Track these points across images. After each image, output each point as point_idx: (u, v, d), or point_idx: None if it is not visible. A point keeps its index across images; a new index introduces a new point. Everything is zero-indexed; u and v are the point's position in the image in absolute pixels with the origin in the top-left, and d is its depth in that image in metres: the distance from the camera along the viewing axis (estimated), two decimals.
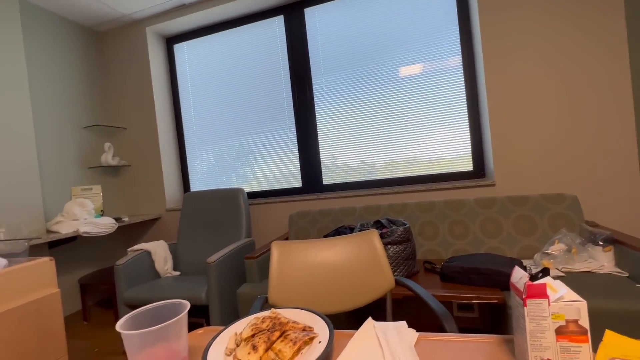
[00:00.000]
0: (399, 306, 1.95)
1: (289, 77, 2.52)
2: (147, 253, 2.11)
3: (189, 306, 0.54)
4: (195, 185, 2.91)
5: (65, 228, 2.07)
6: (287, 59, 2.51)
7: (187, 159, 2.93)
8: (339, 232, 1.74)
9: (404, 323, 0.60)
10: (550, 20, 1.86)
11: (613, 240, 1.47)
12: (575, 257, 1.49)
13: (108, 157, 2.67)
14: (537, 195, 1.78)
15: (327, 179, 2.46)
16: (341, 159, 2.41)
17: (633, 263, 1.34)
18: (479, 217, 1.83)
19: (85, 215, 2.19)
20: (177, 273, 2.17)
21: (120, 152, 2.87)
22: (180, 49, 2.90)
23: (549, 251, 1.56)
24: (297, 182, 2.54)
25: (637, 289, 1.24)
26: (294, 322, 0.59)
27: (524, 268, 1.39)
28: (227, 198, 2.29)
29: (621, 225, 1.84)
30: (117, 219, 2.36)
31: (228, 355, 0.54)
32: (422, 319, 1.91)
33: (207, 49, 2.78)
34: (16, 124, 2.05)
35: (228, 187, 2.69)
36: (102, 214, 2.52)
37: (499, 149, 1.98)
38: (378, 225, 1.71)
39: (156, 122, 2.75)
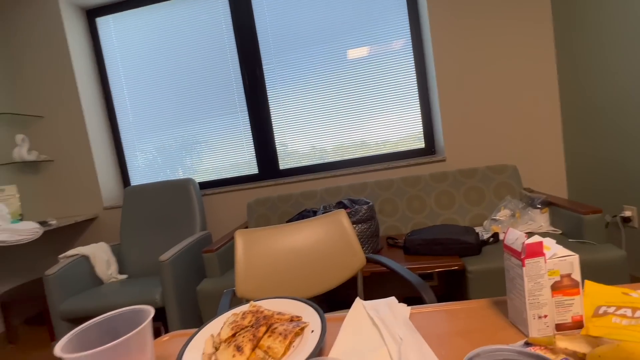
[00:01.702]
0: (366, 285, 1.99)
1: (237, 59, 2.34)
2: (85, 258, 1.85)
3: (153, 312, 0.45)
4: (136, 179, 2.61)
5: None
6: (233, 39, 2.32)
7: (125, 151, 2.60)
8: (302, 216, 1.69)
9: (393, 299, 0.58)
10: (489, 10, 1.97)
11: (548, 203, 1.64)
12: (519, 220, 1.65)
13: (22, 152, 2.25)
14: (483, 167, 1.91)
15: (283, 164, 2.37)
16: (296, 143, 2.34)
17: (565, 221, 1.52)
18: (433, 192, 1.91)
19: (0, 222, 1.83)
20: (124, 276, 1.94)
21: (39, 145, 2.43)
22: (105, 23, 2.51)
23: (497, 217, 1.70)
24: (253, 169, 2.41)
25: (570, 243, 1.40)
26: (279, 313, 0.53)
27: (477, 235, 1.50)
28: (175, 190, 2.09)
29: (552, 189, 2.07)
30: (41, 223, 2.02)
31: None
32: (391, 294, 1.98)
33: (139, 25, 2.44)
34: None
35: (180, 177, 2.46)
36: (21, 218, 2.13)
37: (448, 127, 2.08)
38: (340, 206, 1.69)
39: (82, 109, 2.38)
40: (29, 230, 1.88)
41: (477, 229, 1.77)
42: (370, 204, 1.61)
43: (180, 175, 2.52)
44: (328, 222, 1.13)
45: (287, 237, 1.11)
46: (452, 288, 1.76)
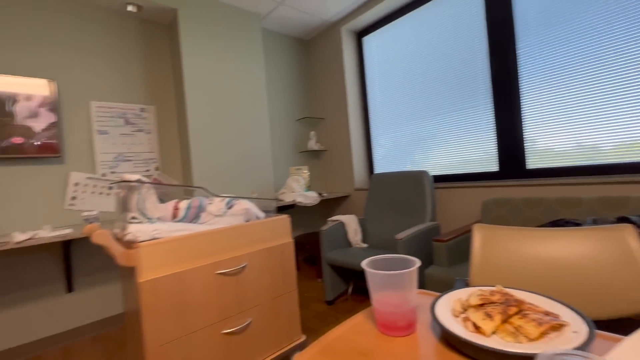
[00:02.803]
0: None
1: (485, 48, 2.21)
2: (342, 224, 2.45)
3: (419, 262, 0.59)
4: (379, 168, 3.11)
5: (287, 197, 2.72)
6: (483, 28, 2.21)
7: (372, 143, 3.16)
8: (556, 224, 1.41)
9: None
10: None
11: None
12: None
13: (312, 143, 3.27)
14: None
15: (531, 163, 2.03)
16: (552, 139, 1.92)
17: None
18: None
19: (299, 189, 2.79)
20: (365, 245, 2.42)
21: (321, 139, 3.44)
22: (368, 40, 3.12)
23: None
24: (491, 166, 2.24)
25: None
26: (531, 303, 0.53)
27: None
28: (411, 180, 2.32)
29: None
30: (319, 194, 2.87)
31: (456, 316, 0.55)
32: None
33: (392, 35, 2.85)
34: (258, 119, 2.83)
35: (412, 169, 2.72)
36: (309, 188, 3.13)
37: None
38: (624, 222, 1.26)
39: (347, 112, 3.11)
40: (313, 197, 2.73)
41: None
42: None
43: (418, 165, 2.74)
44: (604, 236, 0.91)
45: (536, 241, 1.00)
46: None
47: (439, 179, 2.56)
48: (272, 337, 1.47)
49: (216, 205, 1.43)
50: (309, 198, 2.70)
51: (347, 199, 3.20)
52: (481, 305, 0.55)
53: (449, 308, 0.58)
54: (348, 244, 2.46)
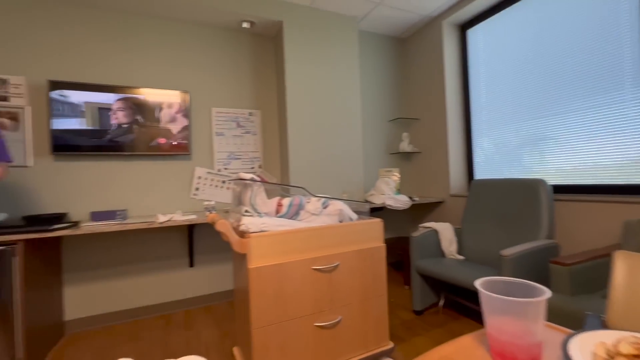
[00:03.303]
0: None
1: (639, 32, 1.77)
2: (434, 232, 2.31)
3: (549, 293, 0.52)
4: (480, 173, 2.81)
5: (376, 200, 2.70)
6: (636, 3, 1.77)
7: (473, 146, 2.87)
8: None
9: None
10: None
11: None
12: None
13: (404, 145, 3.16)
14: None
15: None
16: None
17: None
18: None
19: (388, 192, 2.74)
20: (461, 257, 2.23)
21: (414, 140, 3.30)
22: (473, 32, 2.84)
23: None
24: (638, 177, 1.79)
25: None
26: None
27: None
28: (523, 190, 2.03)
29: None
30: (410, 198, 2.77)
31: None
32: None
33: (503, 25, 2.52)
34: (351, 120, 2.88)
35: (524, 177, 2.38)
36: (399, 192, 3.05)
37: None
38: None
39: (445, 111, 2.90)
40: (403, 201, 2.64)
41: None
42: None
43: (531, 171, 2.39)
44: None
45: None
46: None
47: (559, 189, 2.17)
48: (360, 338, 1.49)
49: (313, 204, 1.52)
50: (399, 202, 2.62)
51: (441, 206, 2.99)
52: (637, 357, 0.45)
53: (589, 351, 0.49)
54: (441, 253, 2.30)
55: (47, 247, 2.00)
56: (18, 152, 2.13)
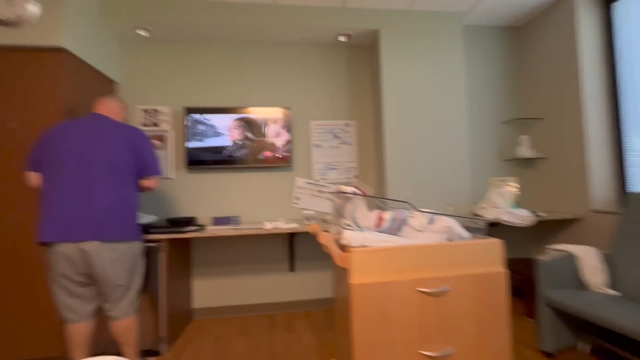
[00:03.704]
0: None
1: None
2: (571, 257, 1.87)
3: None
4: (637, 183, 2.16)
5: (488, 214, 2.36)
6: None
7: (625, 148, 2.24)
8: None
9: None
10: None
11: None
12: None
13: (523, 150, 2.69)
14: None
15: None
16: None
17: None
18: None
19: (503, 205, 2.37)
20: (615, 292, 1.73)
21: (537, 144, 2.79)
22: (622, 5, 2.24)
23: None
24: None
25: None
26: None
27: None
28: None
29: None
30: (533, 213, 2.32)
31: None
32: None
33: None
34: (455, 125, 2.60)
35: None
36: (517, 205, 2.60)
37: None
38: None
39: (581, 108, 2.35)
40: (525, 217, 2.24)
41: None
42: None
43: None
44: None
45: None
46: None
47: None
48: None
49: (418, 219, 1.41)
50: (519, 217, 2.23)
51: (577, 224, 2.42)
52: None
53: None
54: (580, 284, 1.85)
55: (182, 246, 2.41)
56: (164, 166, 2.65)
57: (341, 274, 1.40)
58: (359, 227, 1.33)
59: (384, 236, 1.33)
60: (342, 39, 2.73)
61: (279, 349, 2.04)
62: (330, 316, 2.56)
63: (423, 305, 1.27)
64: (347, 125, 2.86)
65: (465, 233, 1.42)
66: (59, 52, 1.98)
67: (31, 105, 1.95)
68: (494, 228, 2.78)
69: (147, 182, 1.74)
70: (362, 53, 2.90)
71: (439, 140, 2.57)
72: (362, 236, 1.29)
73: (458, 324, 1.29)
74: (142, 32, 2.50)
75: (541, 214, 2.35)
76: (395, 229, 1.40)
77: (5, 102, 1.93)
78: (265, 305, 2.69)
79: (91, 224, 1.52)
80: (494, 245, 1.35)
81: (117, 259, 1.58)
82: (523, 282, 2.29)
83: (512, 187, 2.55)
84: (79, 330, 1.61)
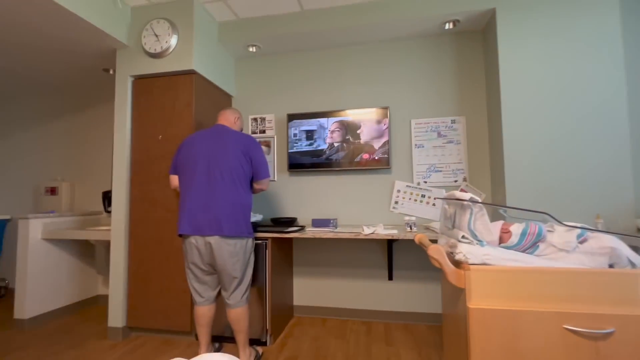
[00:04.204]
0: None
1: None
2: None
3: None
4: None
5: None
6: None
7: None
8: None
9: None
10: None
11: None
12: None
13: None
14: None
15: None
16: None
17: None
18: None
19: None
20: None
21: None
22: None
23: None
24: None
25: None
26: None
27: None
28: None
29: None
30: None
31: None
32: None
33: None
34: (608, 112, 2.02)
35: None
36: None
37: None
38: None
39: None
40: None
41: None
42: None
43: None
44: None
45: None
46: None
47: None
48: None
49: (561, 235, 1.11)
50: None
51: None
52: None
53: None
54: None
55: (284, 244, 2.55)
56: (270, 170, 2.86)
57: (454, 293, 1.21)
58: (478, 240, 1.12)
59: (512, 254, 1.09)
60: (448, 26, 2.45)
61: None
62: (433, 333, 2.31)
63: (573, 347, 0.99)
64: (453, 122, 2.55)
65: (638, 257, 1.05)
66: (191, 74, 2.35)
67: (172, 119, 2.36)
68: None
69: (259, 185, 1.90)
70: (473, 40, 2.55)
71: (584, 134, 2.04)
72: (483, 252, 1.08)
73: None
74: (252, 49, 2.76)
75: None
76: (527, 246, 1.14)
77: (156, 118, 2.38)
78: (361, 311, 2.62)
79: (214, 221, 1.73)
80: None
81: (233, 253, 1.76)
82: None
83: None
84: (204, 312, 1.85)
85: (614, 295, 0.98)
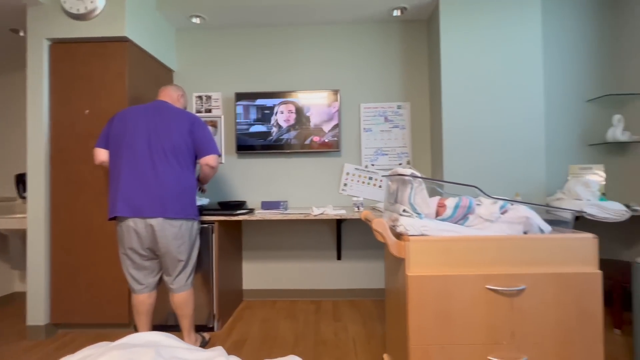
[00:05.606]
0: None
1: None
2: None
3: None
4: None
5: (568, 206, 2.03)
6: None
7: None
8: None
9: None
10: None
11: None
12: None
13: (616, 133, 2.27)
14: None
15: None
16: None
17: None
18: None
19: (588, 196, 2.02)
20: None
21: (632, 126, 2.33)
22: None
23: None
24: None
25: None
26: None
27: None
28: None
29: None
30: (627, 207, 1.95)
31: None
32: None
33: None
34: (528, 104, 2.26)
35: None
36: (605, 197, 2.21)
37: None
38: None
39: None
40: (616, 211, 1.89)
41: None
42: None
43: None
44: None
45: None
46: None
47: None
48: None
49: (487, 207, 1.23)
50: (609, 211, 1.88)
51: None
52: None
53: None
54: None
55: (232, 228, 2.47)
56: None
57: (395, 264, 1.28)
58: (417, 213, 1.19)
59: (446, 225, 1.18)
60: (396, 13, 2.52)
61: (326, 337, 2.00)
62: (377, 307, 2.46)
63: (492, 304, 1.11)
64: (399, 107, 2.66)
65: (546, 226, 1.21)
66: (123, 41, 2.10)
67: (101, 92, 2.10)
68: (576, 223, 2.41)
69: (206, 160, 1.76)
70: (418, 28, 2.66)
71: (509, 122, 2.27)
72: (421, 224, 1.16)
73: (535, 330, 1.11)
74: (196, 20, 2.55)
75: (637, 207, 1.96)
76: (459, 218, 1.24)
77: (81, 90, 2.10)
78: (311, 291, 2.67)
79: (156, 202, 1.60)
80: (586, 242, 1.13)
81: (178, 235, 1.66)
82: (612, 287, 1.95)
83: (598, 176, 2.17)
84: (143, 300, 1.73)
85: (526, 257, 1.12)
